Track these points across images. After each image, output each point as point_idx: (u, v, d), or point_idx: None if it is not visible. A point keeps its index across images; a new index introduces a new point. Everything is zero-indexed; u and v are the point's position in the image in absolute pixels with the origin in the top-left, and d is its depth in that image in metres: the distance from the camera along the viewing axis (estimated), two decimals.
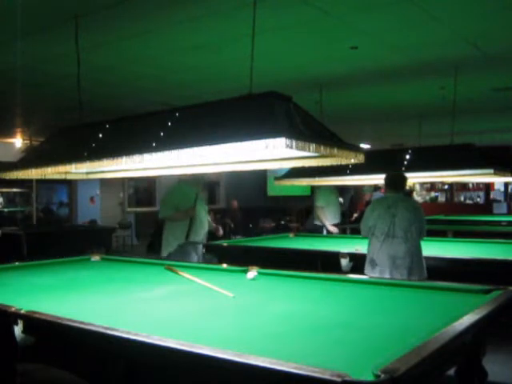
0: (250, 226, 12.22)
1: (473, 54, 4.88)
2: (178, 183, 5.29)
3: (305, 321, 2.24)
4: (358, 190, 11.94)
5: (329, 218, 7.27)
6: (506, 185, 14.66)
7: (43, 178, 3.87)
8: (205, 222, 5.19)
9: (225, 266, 3.79)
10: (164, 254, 5.04)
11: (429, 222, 8.79)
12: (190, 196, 5.03)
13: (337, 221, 7.40)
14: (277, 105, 2.71)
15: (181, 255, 4.88)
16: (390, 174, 4.35)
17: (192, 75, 5.73)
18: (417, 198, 16.97)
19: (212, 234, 5.51)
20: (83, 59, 4.05)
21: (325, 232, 7.22)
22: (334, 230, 7.16)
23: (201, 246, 5.11)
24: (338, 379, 1.38)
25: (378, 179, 4.31)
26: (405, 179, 4.37)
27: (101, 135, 3.55)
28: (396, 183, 4.26)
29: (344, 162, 3.16)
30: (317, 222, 7.38)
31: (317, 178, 6.28)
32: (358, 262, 4.28)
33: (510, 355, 3.85)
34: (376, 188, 10.02)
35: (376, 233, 4.09)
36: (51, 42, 4.46)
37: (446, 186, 16.08)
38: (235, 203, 12.50)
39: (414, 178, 6.94)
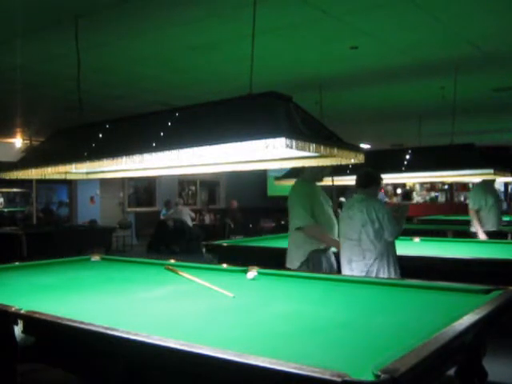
0: (250, 225, 12.20)
1: (473, 53, 4.89)
2: (299, 182, 4.40)
3: (305, 321, 2.24)
4: None
5: (483, 224, 6.33)
6: (506, 185, 14.67)
7: (43, 177, 3.86)
8: (335, 225, 4.25)
9: (225, 266, 3.78)
10: (294, 265, 4.11)
11: (429, 222, 8.73)
12: (317, 194, 4.28)
13: (493, 227, 6.37)
14: (277, 105, 2.71)
15: (313, 264, 4.10)
16: (358, 172, 4.09)
17: (192, 75, 5.74)
18: (417, 197, 17.00)
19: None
20: (83, 59, 4.05)
21: (481, 237, 6.19)
22: (484, 238, 6.13)
23: (331, 252, 4.30)
24: (338, 379, 1.37)
25: None
26: (367, 176, 3.99)
27: (101, 135, 3.55)
28: (357, 182, 4.04)
29: (344, 162, 3.15)
30: (471, 229, 6.49)
31: None
32: None
33: (510, 355, 3.85)
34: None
35: (340, 234, 4.02)
36: (51, 42, 4.46)
37: (446, 186, 16.10)
38: (235, 203, 12.51)
39: (414, 178, 6.92)
